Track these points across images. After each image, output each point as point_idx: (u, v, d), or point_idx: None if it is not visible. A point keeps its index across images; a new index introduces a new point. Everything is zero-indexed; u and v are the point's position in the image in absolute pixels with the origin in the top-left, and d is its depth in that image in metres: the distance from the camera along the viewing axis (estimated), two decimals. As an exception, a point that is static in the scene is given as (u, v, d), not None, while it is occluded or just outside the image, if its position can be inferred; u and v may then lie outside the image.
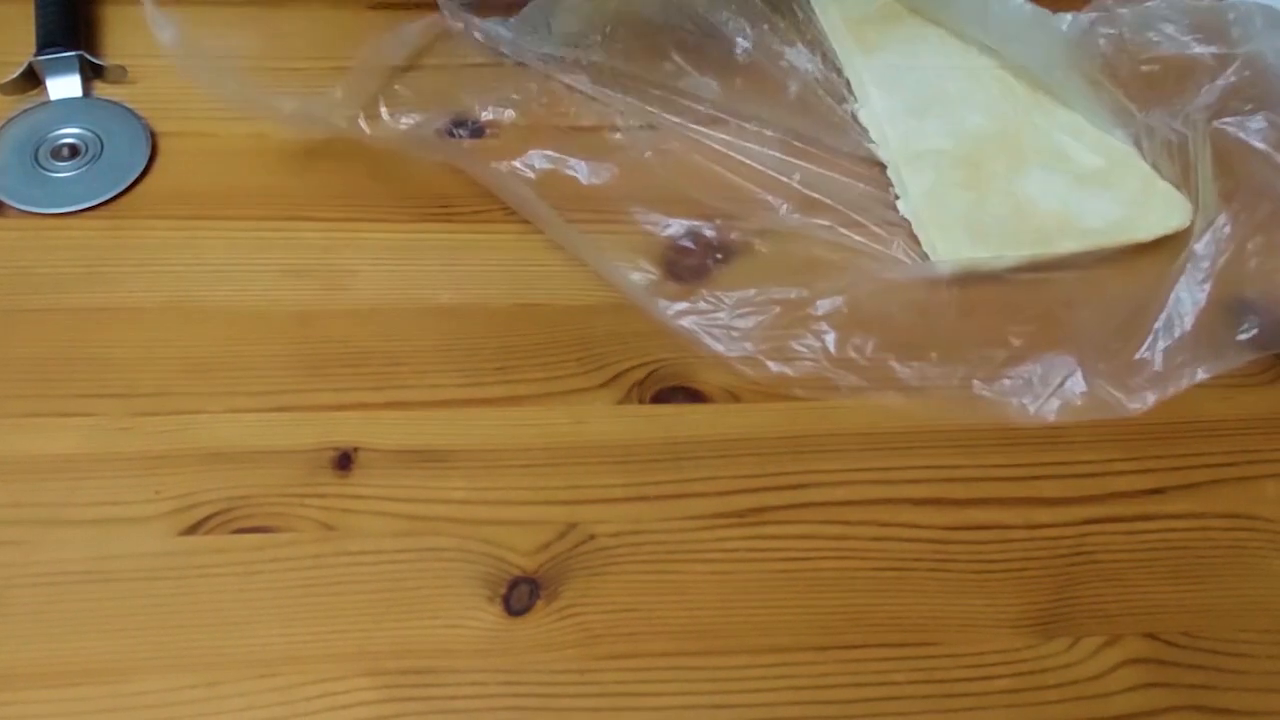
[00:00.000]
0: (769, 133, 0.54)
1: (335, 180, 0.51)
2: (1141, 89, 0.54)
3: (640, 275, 0.48)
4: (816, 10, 0.59)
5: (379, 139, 0.52)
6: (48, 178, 0.50)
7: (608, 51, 0.56)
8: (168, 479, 0.41)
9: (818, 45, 0.58)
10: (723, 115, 0.55)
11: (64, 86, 0.53)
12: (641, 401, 0.45)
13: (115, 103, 0.53)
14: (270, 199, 0.50)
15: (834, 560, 0.42)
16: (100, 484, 0.41)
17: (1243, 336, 0.47)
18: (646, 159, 0.53)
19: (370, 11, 0.58)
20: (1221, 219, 0.48)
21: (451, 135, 0.53)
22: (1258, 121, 0.51)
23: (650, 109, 0.55)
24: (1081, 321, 0.48)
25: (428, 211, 0.50)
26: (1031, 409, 0.45)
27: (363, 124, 0.52)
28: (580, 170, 0.52)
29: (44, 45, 0.54)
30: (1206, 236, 0.48)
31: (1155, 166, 0.53)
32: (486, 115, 0.54)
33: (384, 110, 0.53)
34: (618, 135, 0.54)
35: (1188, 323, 0.47)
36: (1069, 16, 0.55)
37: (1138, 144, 0.54)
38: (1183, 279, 0.47)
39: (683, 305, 0.47)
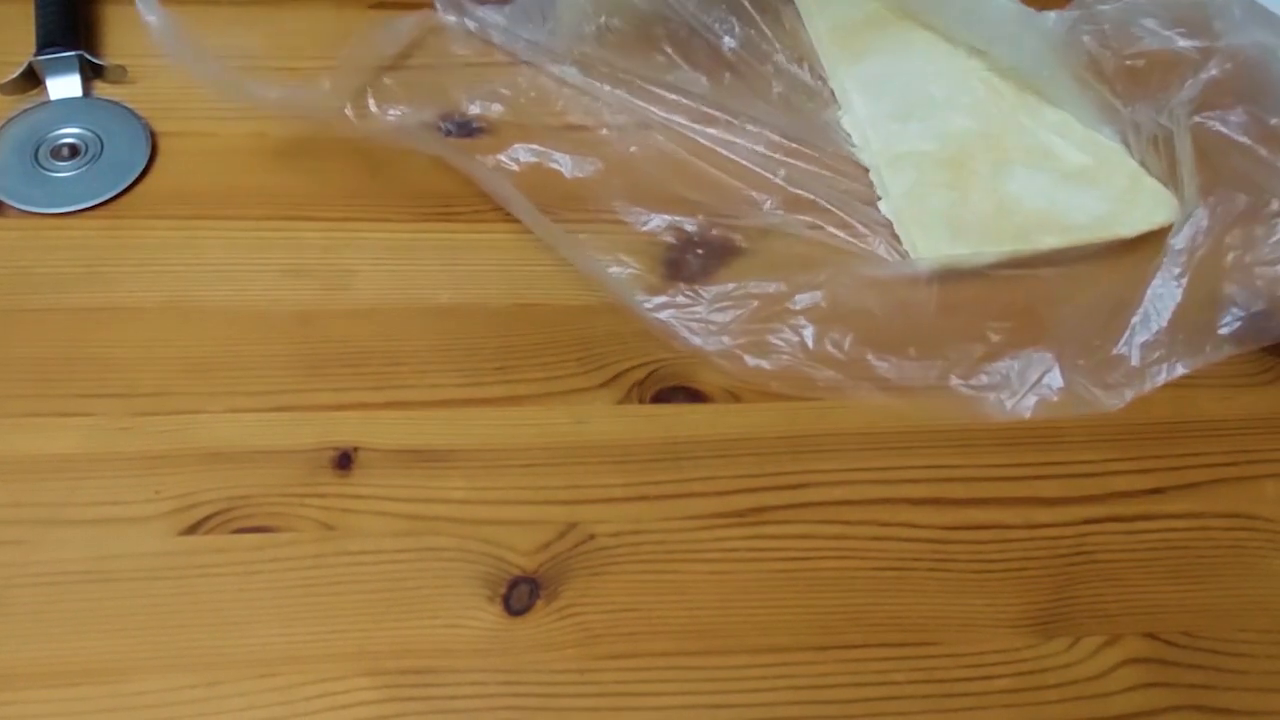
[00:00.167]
0: (755, 129, 0.54)
1: (335, 180, 0.51)
2: (1126, 85, 0.54)
3: (619, 269, 0.48)
4: (803, 18, 0.60)
5: (365, 131, 0.52)
6: (48, 178, 0.50)
7: (600, 42, 0.56)
8: (168, 479, 0.41)
9: (804, 53, 0.58)
10: (710, 111, 0.55)
11: (64, 86, 0.53)
12: (641, 401, 0.45)
13: (115, 103, 0.53)
14: (270, 199, 0.50)
15: (833, 560, 0.42)
16: (100, 484, 0.41)
17: (1222, 331, 0.47)
18: (631, 154, 0.53)
19: (372, 10, 0.58)
20: (1200, 213, 0.48)
21: (439, 129, 0.53)
22: (1238, 115, 0.50)
23: (638, 103, 0.55)
24: (1061, 318, 0.48)
25: (428, 211, 0.50)
26: (1008, 405, 0.46)
27: (350, 115, 0.52)
28: (564, 164, 0.52)
29: (44, 45, 0.54)
30: (1184, 231, 0.48)
31: (1143, 163, 0.53)
32: (474, 110, 0.54)
33: (372, 103, 0.53)
34: (604, 130, 0.54)
35: (1165, 318, 0.46)
36: (1053, 14, 0.55)
37: (1125, 141, 0.54)
38: (1160, 274, 0.47)
39: (661, 299, 0.47)
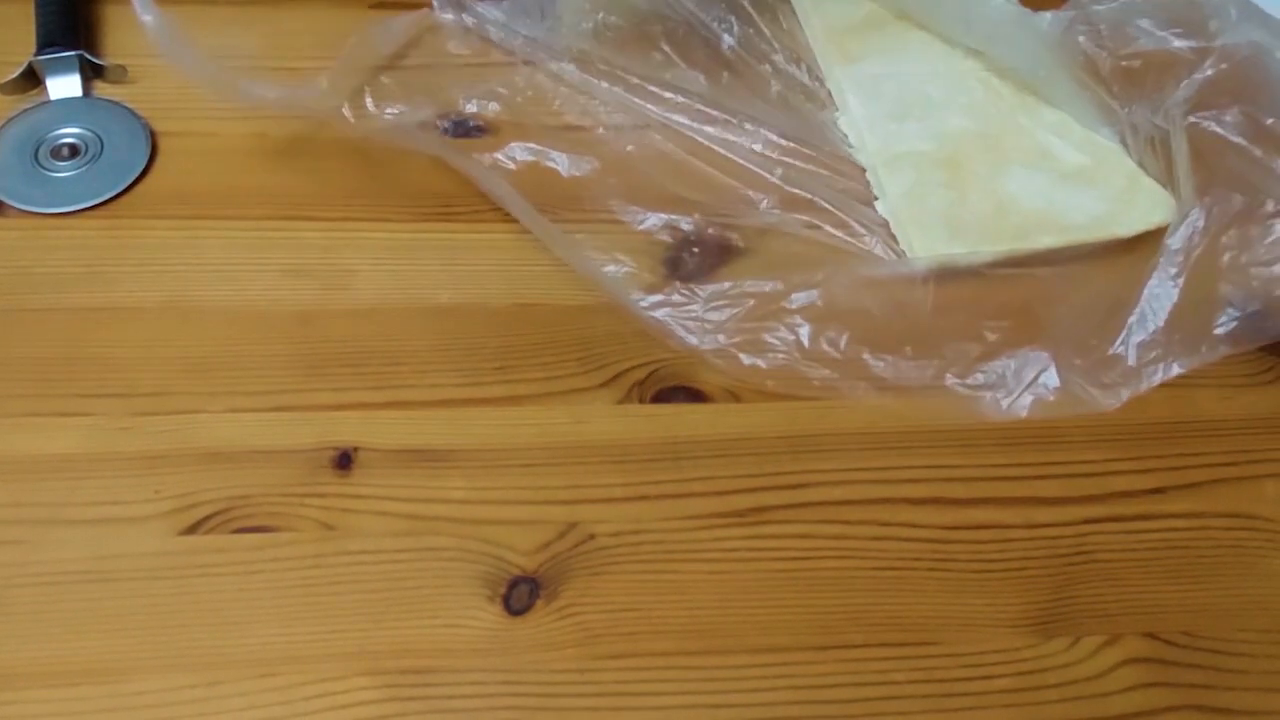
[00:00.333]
0: (752, 129, 0.54)
1: (335, 180, 0.51)
2: (1123, 85, 0.54)
3: (615, 268, 0.48)
4: (800, 20, 0.60)
5: (363, 130, 0.52)
6: (48, 177, 0.50)
7: (598, 39, 0.56)
8: (168, 479, 0.41)
9: (801, 53, 0.58)
10: (708, 110, 0.55)
11: (64, 86, 0.53)
12: (642, 401, 0.45)
13: (115, 103, 0.53)
14: (270, 199, 0.50)
15: (833, 560, 0.42)
16: (100, 484, 0.41)
17: (1218, 331, 0.47)
18: (628, 153, 0.53)
19: (372, 10, 0.58)
20: (1195, 213, 0.48)
21: (436, 129, 0.53)
22: (1234, 115, 0.50)
23: (635, 101, 0.55)
24: (1058, 317, 0.48)
25: (428, 211, 0.50)
26: (1004, 404, 0.46)
27: (347, 113, 0.52)
28: (561, 163, 0.52)
29: (44, 45, 0.54)
30: (1180, 231, 0.48)
31: (1141, 163, 0.53)
32: (471, 109, 0.54)
33: (369, 101, 0.53)
34: (601, 130, 0.54)
35: (1161, 318, 0.47)
36: (1048, 15, 0.55)
37: (1123, 141, 0.54)
38: (1156, 274, 0.47)
39: (656, 298, 0.47)
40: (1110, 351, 0.46)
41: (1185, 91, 0.52)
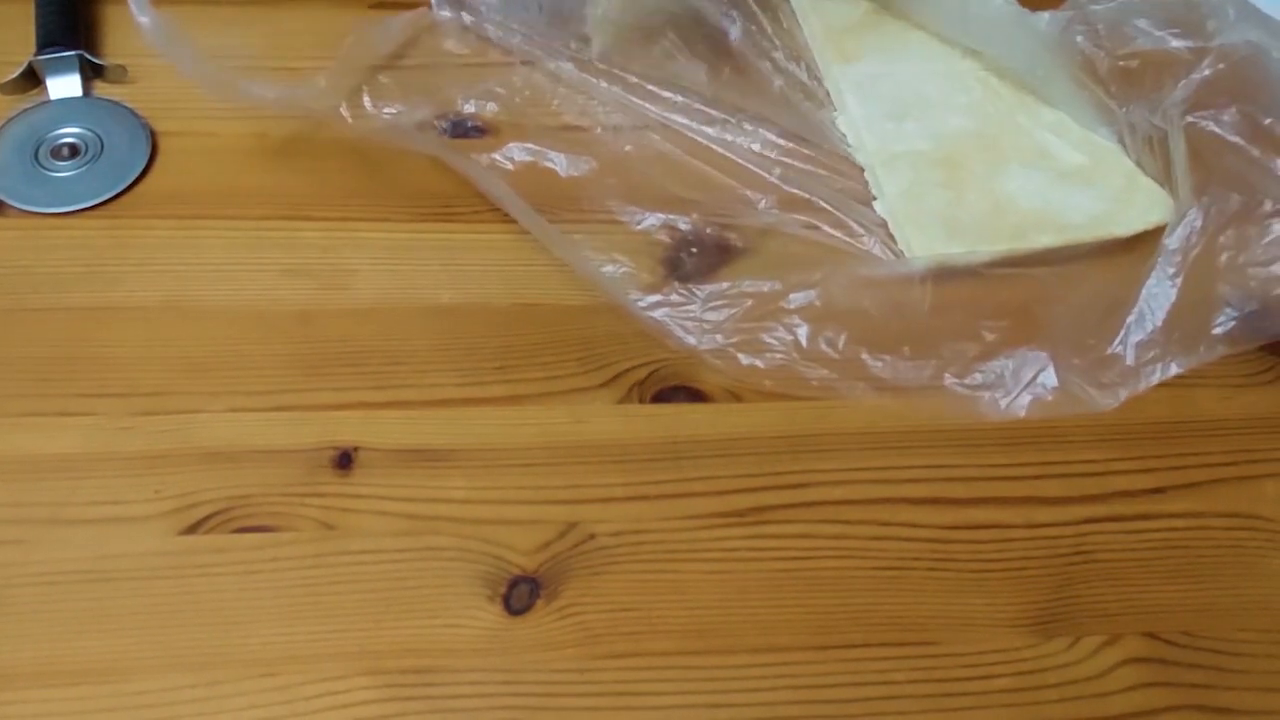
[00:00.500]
0: (751, 128, 0.54)
1: (335, 180, 0.51)
2: (1121, 85, 0.54)
3: (614, 268, 0.48)
4: (799, 19, 0.60)
5: (362, 130, 0.52)
6: (48, 177, 0.50)
7: (601, 31, 0.56)
8: (168, 478, 0.41)
9: (800, 51, 0.58)
10: (707, 110, 0.54)
11: (64, 86, 0.53)
12: (642, 401, 0.45)
13: (115, 102, 0.53)
14: (270, 199, 0.50)
15: (833, 560, 0.42)
16: (100, 484, 0.41)
17: (1216, 331, 0.47)
18: (627, 153, 0.53)
19: (371, 10, 0.58)
20: (1193, 213, 0.48)
21: (435, 129, 0.53)
22: (1231, 115, 0.50)
23: (633, 100, 0.55)
24: (1056, 317, 0.48)
25: (428, 211, 0.50)
26: (1003, 404, 0.46)
27: (345, 113, 0.52)
28: (559, 163, 0.52)
29: (44, 45, 0.54)
30: (1178, 231, 0.48)
31: (1139, 163, 0.53)
32: (469, 109, 0.54)
33: (367, 101, 0.53)
34: (599, 130, 0.54)
35: (1159, 318, 0.47)
36: (1046, 15, 0.55)
37: (1121, 140, 0.54)
38: (1154, 274, 0.47)
39: (655, 298, 0.47)
40: (1108, 351, 0.47)
41: (1183, 91, 0.52)
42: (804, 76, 0.57)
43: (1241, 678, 0.40)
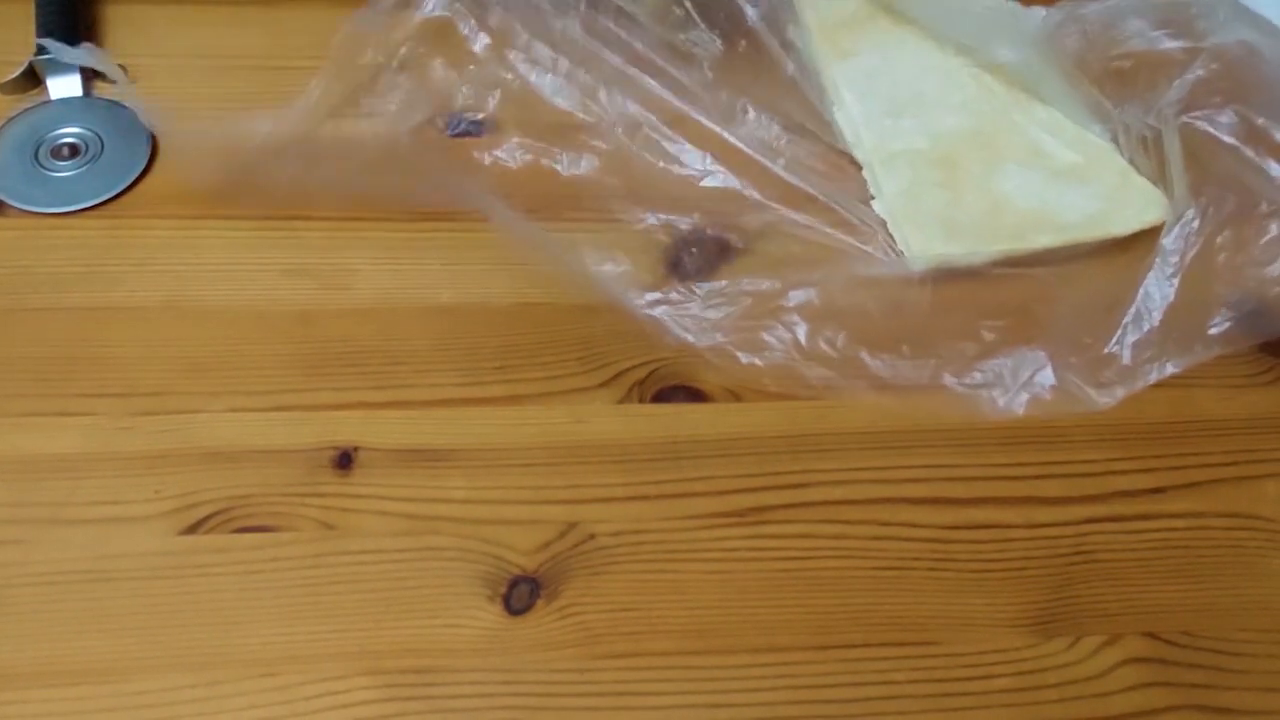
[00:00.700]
0: (754, 117, 0.54)
1: (335, 180, 0.51)
2: (1114, 85, 0.54)
3: (613, 266, 0.48)
4: (796, 12, 0.59)
5: (362, 128, 0.52)
6: (48, 177, 0.50)
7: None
8: (168, 478, 0.41)
9: (799, 49, 0.58)
10: (709, 105, 0.54)
11: (64, 86, 0.53)
12: (642, 401, 0.45)
13: (115, 102, 0.53)
14: (270, 199, 0.50)
15: (833, 560, 0.42)
16: (100, 484, 0.41)
17: (1213, 331, 0.47)
18: (628, 152, 0.53)
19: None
20: (1190, 213, 0.48)
21: (434, 127, 0.53)
22: (1226, 116, 0.50)
23: (632, 99, 0.54)
24: (1054, 316, 0.48)
25: (428, 210, 0.50)
26: (1000, 402, 0.46)
27: (346, 115, 0.52)
28: (561, 162, 0.52)
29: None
30: (1175, 231, 0.48)
31: (1132, 161, 0.53)
32: (470, 107, 0.54)
33: (366, 102, 0.53)
34: (600, 127, 0.54)
35: (1156, 318, 0.47)
36: (1041, 11, 0.55)
37: (1115, 139, 0.54)
38: (1151, 274, 0.47)
39: (654, 296, 0.47)
40: (1105, 350, 0.47)
41: (1177, 91, 0.52)
42: (806, 72, 0.57)
43: (1242, 678, 0.40)
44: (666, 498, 0.42)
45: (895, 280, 0.49)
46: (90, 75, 0.54)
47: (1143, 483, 0.45)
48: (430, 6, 0.57)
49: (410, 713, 0.37)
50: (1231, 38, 0.52)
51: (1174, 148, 0.51)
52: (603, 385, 0.45)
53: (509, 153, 0.52)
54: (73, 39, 0.54)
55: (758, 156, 0.53)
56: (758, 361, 0.46)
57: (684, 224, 0.50)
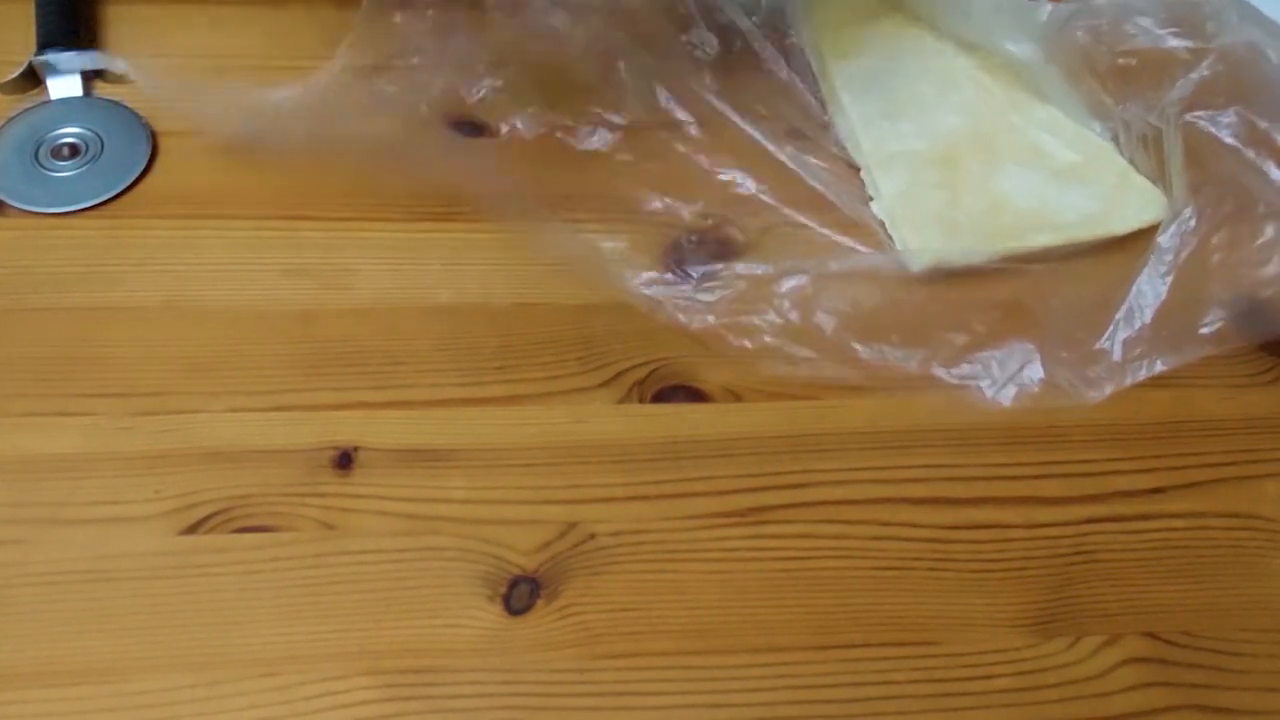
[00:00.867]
0: (760, 113, 0.54)
1: (335, 180, 0.51)
2: (1118, 83, 0.54)
3: (612, 243, 0.49)
4: (798, 13, 0.59)
5: (363, 127, 0.52)
6: (48, 177, 0.50)
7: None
8: (168, 478, 0.41)
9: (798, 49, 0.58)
10: (713, 101, 0.54)
11: (64, 86, 0.53)
12: (642, 401, 0.45)
13: (115, 102, 0.53)
14: (270, 199, 0.50)
15: (833, 560, 0.42)
16: (100, 484, 0.41)
17: (1204, 330, 0.47)
18: (632, 147, 0.53)
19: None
20: (1187, 212, 0.48)
21: (438, 123, 0.53)
22: (1229, 116, 0.50)
23: (633, 97, 0.54)
24: (1048, 311, 0.48)
25: (428, 211, 0.50)
26: (988, 394, 0.46)
27: (348, 113, 0.52)
28: (566, 156, 0.52)
29: (44, 45, 0.54)
30: (1171, 229, 0.48)
31: (1132, 161, 0.53)
32: (474, 103, 0.54)
33: (369, 100, 0.53)
34: (604, 123, 0.54)
35: (1148, 315, 0.47)
36: (1049, 7, 0.55)
37: (1115, 138, 0.54)
38: (1145, 271, 0.48)
39: (649, 275, 0.48)
40: (1096, 346, 0.47)
41: (1181, 90, 0.52)
42: (806, 73, 0.57)
43: (1242, 678, 0.40)
44: (666, 498, 0.42)
45: (890, 275, 0.49)
46: (90, 75, 0.54)
47: (1143, 483, 0.45)
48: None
49: (410, 713, 0.37)
50: (1241, 40, 0.52)
51: (1175, 147, 0.51)
52: (603, 385, 0.45)
53: (512, 149, 0.52)
54: (73, 39, 0.54)
55: (763, 151, 0.53)
56: (747, 344, 0.46)
57: (685, 211, 0.50)
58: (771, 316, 0.47)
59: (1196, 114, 0.51)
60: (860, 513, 0.43)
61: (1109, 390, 0.46)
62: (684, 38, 0.55)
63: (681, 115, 0.55)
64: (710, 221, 0.51)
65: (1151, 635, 0.40)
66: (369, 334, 0.46)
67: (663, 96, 0.55)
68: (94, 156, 0.51)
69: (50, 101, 0.53)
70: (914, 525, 0.43)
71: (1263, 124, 0.50)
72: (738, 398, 0.46)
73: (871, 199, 0.52)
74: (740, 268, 0.48)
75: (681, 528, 0.42)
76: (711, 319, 0.47)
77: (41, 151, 0.51)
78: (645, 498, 0.42)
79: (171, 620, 0.38)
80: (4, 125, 0.52)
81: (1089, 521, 0.43)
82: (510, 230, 0.50)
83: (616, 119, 0.53)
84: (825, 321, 0.47)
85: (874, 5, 0.59)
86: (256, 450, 0.42)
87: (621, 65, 0.55)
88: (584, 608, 0.40)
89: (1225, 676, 0.40)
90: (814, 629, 0.40)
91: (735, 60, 0.55)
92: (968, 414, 0.46)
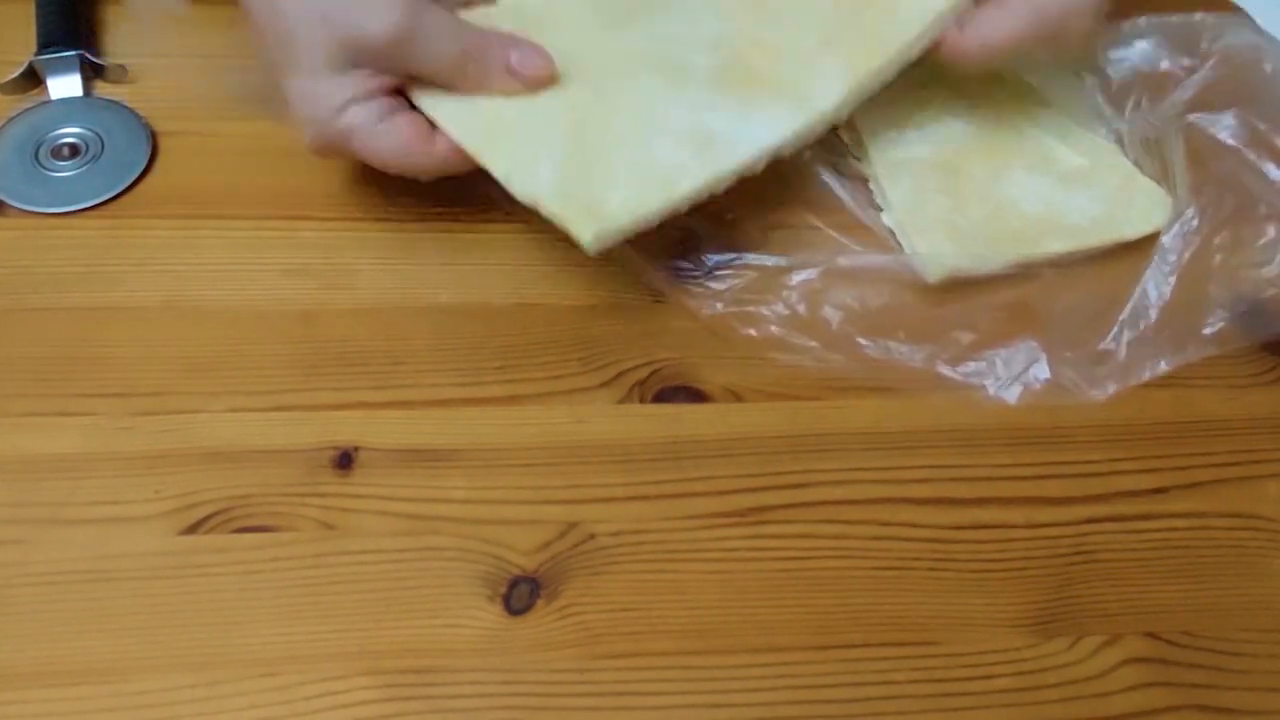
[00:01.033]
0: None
1: (335, 180, 0.51)
2: (1120, 86, 0.55)
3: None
4: None
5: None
6: (48, 177, 0.50)
7: None
8: (168, 478, 0.41)
9: None
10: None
11: (64, 86, 0.53)
12: (643, 401, 0.45)
13: (115, 102, 0.53)
14: (270, 199, 0.50)
15: (834, 560, 0.41)
16: (100, 484, 0.41)
17: (1207, 330, 0.48)
18: None
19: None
20: (1189, 213, 0.49)
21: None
22: (1229, 118, 0.51)
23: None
24: (1054, 312, 0.48)
25: (428, 211, 0.50)
26: (992, 391, 0.46)
27: None
28: None
29: (44, 45, 0.54)
30: (1174, 230, 0.49)
31: (1137, 163, 0.53)
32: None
33: None
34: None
35: (1153, 315, 0.47)
36: None
37: (1120, 141, 0.54)
38: (1149, 272, 0.48)
39: (663, 261, 0.48)
40: (1100, 346, 0.47)
41: (1183, 93, 0.53)
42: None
43: (1243, 678, 0.40)
44: (667, 498, 0.42)
45: (899, 275, 0.49)
46: (90, 75, 0.54)
47: (1145, 483, 0.45)
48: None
49: (410, 713, 0.37)
50: (1241, 42, 0.53)
51: (1177, 148, 0.51)
52: (603, 385, 0.45)
53: None
54: (73, 39, 0.54)
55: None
56: (753, 333, 0.46)
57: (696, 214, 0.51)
58: (779, 308, 0.47)
59: (1199, 115, 0.52)
60: (861, 513, 0.43)
61: (1113, 390, 0.46)
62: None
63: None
64: (728, 213, 0.50)
65: (1152, 635, 0.40)
66: (369, 334, 0.46)
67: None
68: (94, 156, 0.51)
69: (50, 101, 0.53)
70: (915, 525, 0.43)
71: (1262, 126, 0.51)
72: (738, 398, 0.46)
73: (881, 211, 0.52)
74: (752, 258, 0.49)
75: (682, 528, 0.42)
76: (720, 306, 0.47)
77: (41, 151, 0.51)
78: (645, 498, 0.42)
79: (171, 620, 0.38)
80: (4, 125, 0.52)
81: (1090, 521, 0.43)
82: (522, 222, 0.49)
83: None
84: (832, 315, 0.47)
85: None
86: (256, 450, 0.42)
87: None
88: (584, 608, 0.40)
89: (1226, 677, 0.40)
90: (814, 629, 0.40)
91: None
92: (972, 414, 0.46)
